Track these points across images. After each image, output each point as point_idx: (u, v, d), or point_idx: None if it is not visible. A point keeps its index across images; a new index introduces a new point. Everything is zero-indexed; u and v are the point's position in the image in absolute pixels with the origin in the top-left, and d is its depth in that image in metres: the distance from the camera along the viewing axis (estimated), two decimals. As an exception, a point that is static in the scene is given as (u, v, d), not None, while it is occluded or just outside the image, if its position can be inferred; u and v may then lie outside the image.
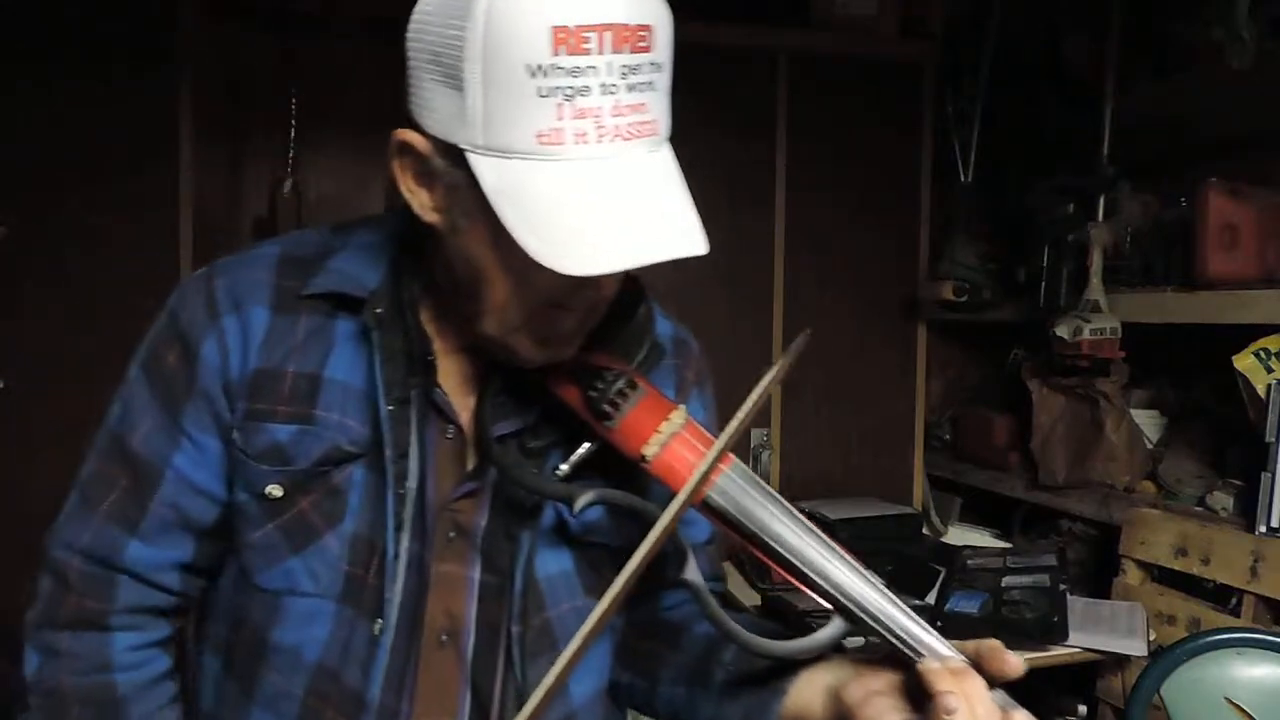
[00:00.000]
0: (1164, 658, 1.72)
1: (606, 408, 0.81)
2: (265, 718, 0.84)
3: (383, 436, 0.82)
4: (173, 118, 2.34)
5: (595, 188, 0.69)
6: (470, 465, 0.87)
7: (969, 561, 2.25)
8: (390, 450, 0.81)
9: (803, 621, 1.91)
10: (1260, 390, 1.96)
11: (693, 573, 0.78)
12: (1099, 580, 2.33)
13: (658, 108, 0.72)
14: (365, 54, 2.50)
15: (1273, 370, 1.96)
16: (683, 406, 0.83)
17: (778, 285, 2.73)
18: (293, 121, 2.44)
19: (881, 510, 2.56)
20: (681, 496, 0.71)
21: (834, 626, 0.77)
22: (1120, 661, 2.06)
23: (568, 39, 0.66)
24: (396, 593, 0.82)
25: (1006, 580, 2.14)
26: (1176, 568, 2.10)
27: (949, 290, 2.72)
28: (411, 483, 0.82)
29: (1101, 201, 2.35)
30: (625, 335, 0.87)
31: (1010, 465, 2.72)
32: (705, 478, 0.74)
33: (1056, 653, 1.98)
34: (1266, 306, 1.95)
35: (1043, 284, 2.48)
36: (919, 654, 0.73)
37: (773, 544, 0.77)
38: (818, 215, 2.75)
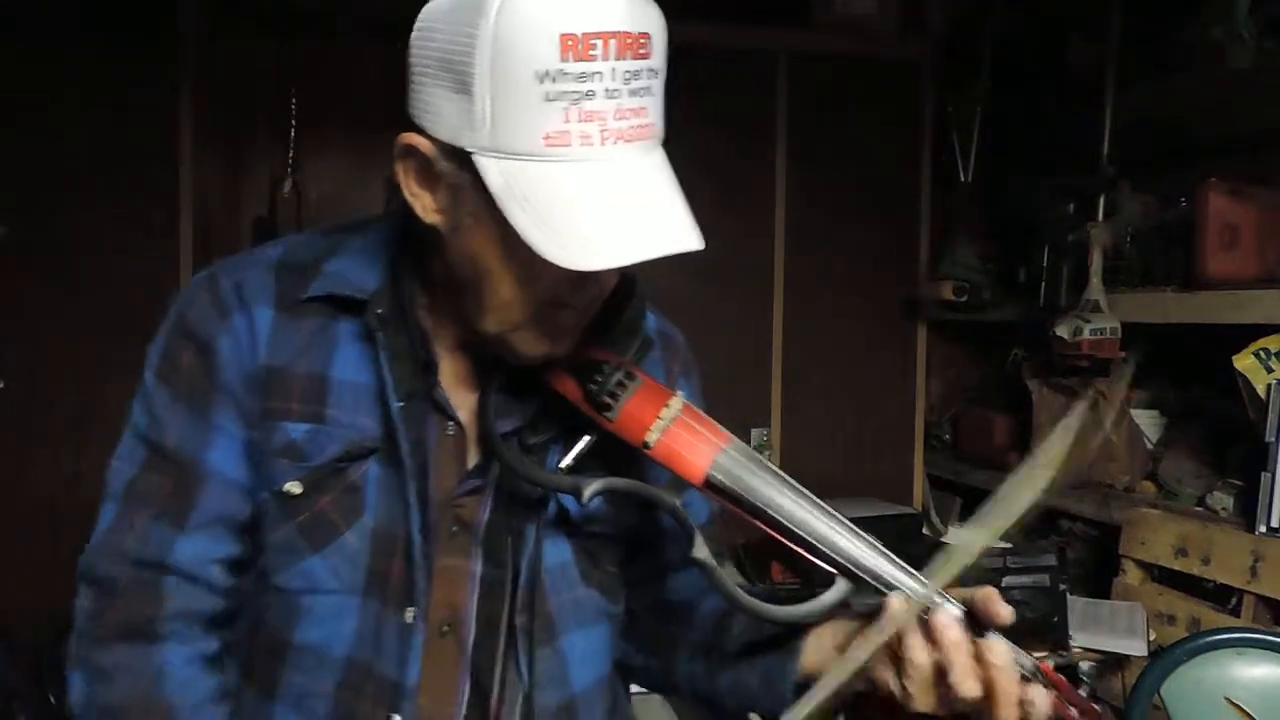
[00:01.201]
0: (1164, 658, 1.72)
1: (606, 399, 0.83)
2: (291, 718, 0.85)
3: (395, 432, 0.83)
4: (173, 118, 2.34)
5: (599, 187, 0.72)
6: (471, 462, 0.88)
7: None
8: (406, 444, 0.83)
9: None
10: (1260, 390, 1.96)
11: (700, 550, 0.81)
12: (1099, 580, 2.33)
13: (655, 111, 0.75)
14: (365, 54, 2.50)
15: (1273, 370, 1.96)
16: (680, 392, 0.86)
17: (778, 285, 2.74)
18: (293, 121, 2.44)
19: (881, 510, 2.57)
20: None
21: (838, 589, 0.81)
22: (1120, 661, 2.06)
23: (575, 46, 0.69)
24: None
25: (1006, 580, 2.14)
26: (1176, 568, 2.10)
27: (949, 290, 2.72)
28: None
29: (1101, 201, 2.35)
30: (619, 329, 0.89)
31: (1010, 465, 2.69)
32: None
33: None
34: (1266, 306, 1.95)
35: (1043, 284, 2.48)
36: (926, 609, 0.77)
37: (776, 516, 0.80)
38: (818, 215, 2.75)
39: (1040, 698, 0.75)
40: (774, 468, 0.83)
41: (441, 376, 0.87)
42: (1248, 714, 1.64)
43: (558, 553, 0.90)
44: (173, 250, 2.35)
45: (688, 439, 0.82)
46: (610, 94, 0.71)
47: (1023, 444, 2.62)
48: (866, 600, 0.81)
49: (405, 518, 0.84)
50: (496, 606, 0.87)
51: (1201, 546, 2.04)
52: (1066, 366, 2.36)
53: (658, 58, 0.74)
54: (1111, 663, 2.08)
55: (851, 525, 0.81)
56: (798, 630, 0.86)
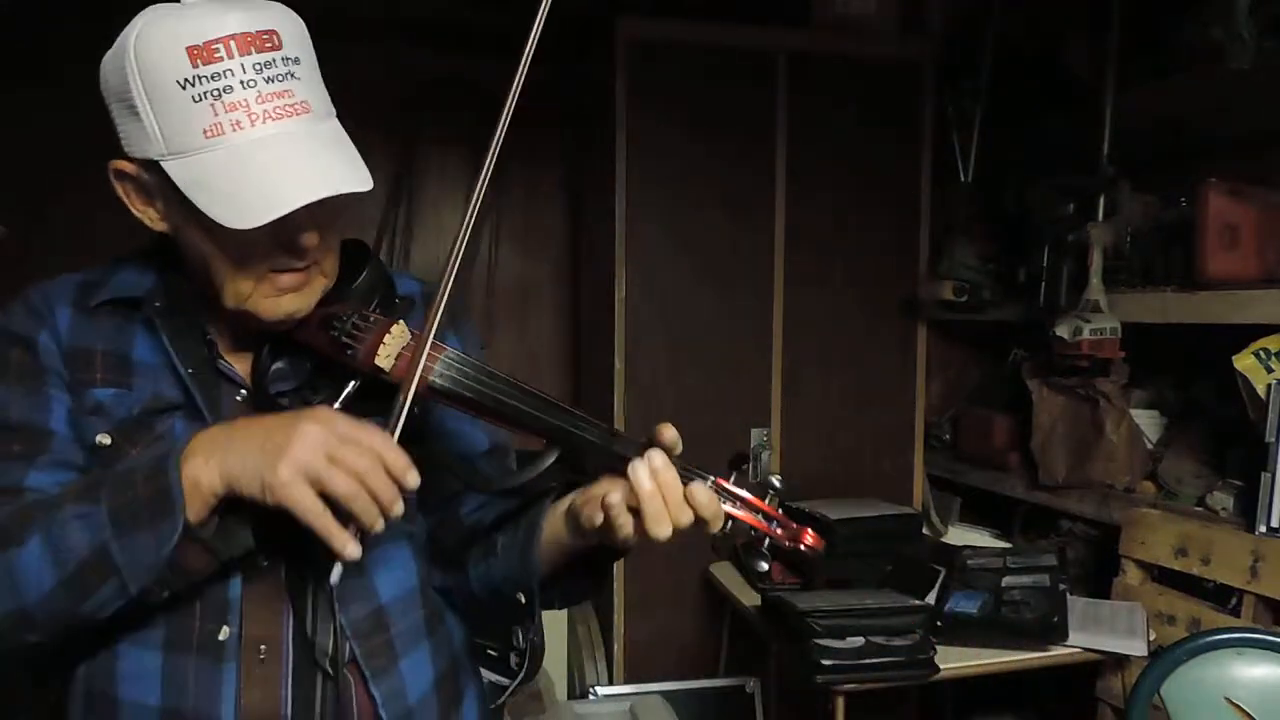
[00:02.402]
0: (1164, 658, 1.72)
1: (346, 341, 0.97)
2: (133, 651, 0.97)
3: (191, 393, 0.99)
4: (173, 118, 2.34)
5: (260, 159, 0.87)
6: None
7: (969, 561, 2.25)
8: (202, 400, 0.99)
9: (802, 622, 1.91)
10: (1260, 390, 1.97)
11: (431, 441, 1.03)
12: (1099, 580, 2.33)
13: (305, 91, 0.91)
14: (364, 53, 2.50)
15: (1273, 370, 1.96)
16: (402, 321, 0.99)
17: (778, 285, 2.73)
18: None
19: (881, 510, 2.56)
20: (416, 374, 0.91)
21: (548, 456, 0.95)
22: (1120, 661, 2.06)
23: (201, 53, 0.86)
24: None
25: (1006, 580, 2.14)
26: (1176, 568, 2.10)
27: (949, 290, 2.72)
28: None
29: (1101, 201, 2.35)
30: (359, 290, 1.04)
31: (1010, 465, 2.72)
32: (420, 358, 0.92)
33: (1056, 653, 1.99)
34: (1266, 306, 1.96)
35: (1043, 284, 2.48)
36: (622, 458, 0.91)
37: (488, 405, 0.95)
38: (818, 216, 2.75)
39: (702, 492, 0.87)
40: (488, 368, 0.97)
41: (230, 354, 1.03)
42: (1248, 714, 1.65)
43: None
44: (173, 250, 2.34)
45: (412, 359, 0.95)
46: (246, 84, 0.87)
47: (1023, 444, 2.62)
48: (576, 471, 0.96)
49: None
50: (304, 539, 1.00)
51: (1201, 546, 2.05)
52: (1066, 366, 2.36)
53: (291, 47, 0.90)
54: (1111, 663, 2.08)
55: (555, 400, 0.95)
56: (540, 505, 1.02)
